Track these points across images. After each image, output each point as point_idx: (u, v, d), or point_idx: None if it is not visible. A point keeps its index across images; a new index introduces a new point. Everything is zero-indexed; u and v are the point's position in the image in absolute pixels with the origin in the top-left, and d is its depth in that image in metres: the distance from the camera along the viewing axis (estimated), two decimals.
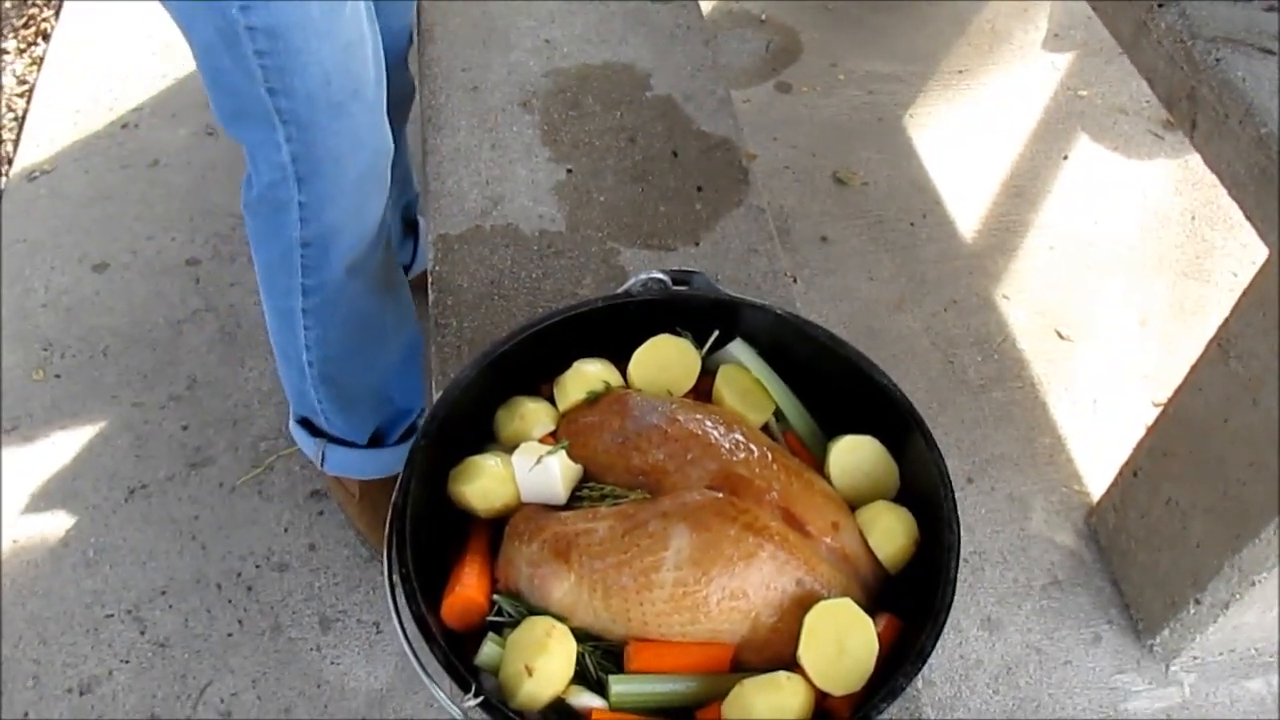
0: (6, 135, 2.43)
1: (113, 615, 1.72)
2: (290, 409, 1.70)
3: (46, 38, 2.65)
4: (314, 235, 1.33)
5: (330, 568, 1.77)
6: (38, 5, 2.73)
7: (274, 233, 1.35)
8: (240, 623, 1.71)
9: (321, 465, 1.71)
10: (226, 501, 1.85)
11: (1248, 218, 1.25)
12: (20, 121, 2.45)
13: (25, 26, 2.67)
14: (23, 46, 2.63)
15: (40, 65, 2.58)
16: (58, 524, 1.81)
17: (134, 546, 1.79)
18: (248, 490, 1.86)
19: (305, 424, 1.68)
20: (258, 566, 1.78)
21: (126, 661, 1.67)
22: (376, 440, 1.69)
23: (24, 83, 2.55)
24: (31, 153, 2.38)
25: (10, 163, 2.36)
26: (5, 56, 2.60)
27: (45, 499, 1.84)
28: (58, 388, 1.99)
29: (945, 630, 0.98)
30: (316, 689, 1.65)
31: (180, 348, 2.05)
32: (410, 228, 2.04)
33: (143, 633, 1.70)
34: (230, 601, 1.74)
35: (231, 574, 1.76)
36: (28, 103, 2.50)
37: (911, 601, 1.03)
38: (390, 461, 1.71)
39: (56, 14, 2.71)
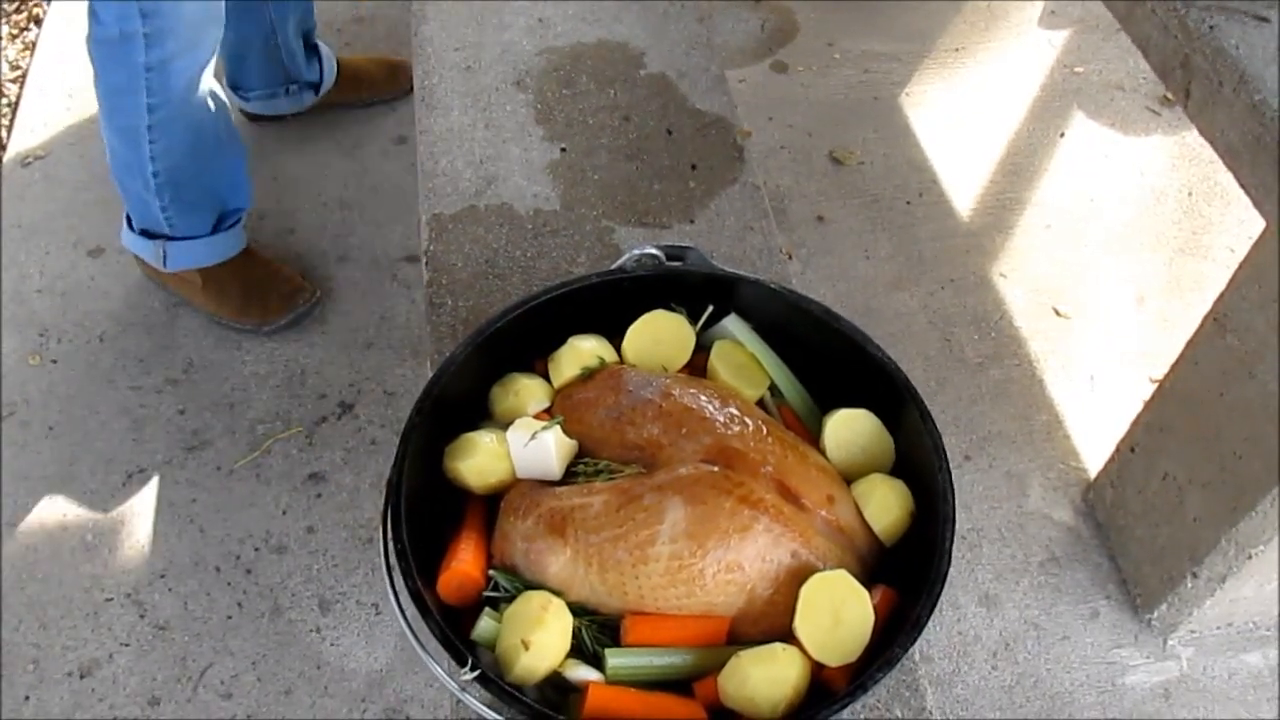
0: (0, 121, 2.42)
1: (112, 599, 1.72)
2: (127, 224, 1.94)
3: (39, 22, 2.64)
4: (156, 61, 1.60)
5: (329, 550, 1.78)
6: None
7: (121, 60, 1.60)
8: (239, 605, 1.72)
9: (164, 264, 1.94)
10: (224, 485, 1.85)
11: (1243, 187, 1.24)
12: (14, 107, 2.45)
13: (17, 11, 2.66)
14: (15, 31, 2.62)
15: (33, 50, 2.57)
16: (56, 509, 1.81)
17: (132, 530, 1.79)
18: (245, 473, 1.86)
19: (145, 234, 1.92)
20: (256, 549, 1.78)
21: (126, 644, 1.67)
22: (210, 232, 1.93)
23: (17, 68, 2.54)
24: (25, 138, 2.37)
25: (4, 148, 2.36)
26: None
27: (43, 484, 1.84)
28: (54, 373, 1.99)
29: (943, 606, 0.99)
30: (316, 670, 1.65)
31: (176, 331, 2.05)
32: (312, 50, 2.28)
33: (142, 616, 1.70)
34: (229, 584, 1.74)
35: (230, 557, 1.77)
36: (21, 88, 2.49)
37: (907, 573, 1.03)
38: (225, 246, 1.97)
39: None
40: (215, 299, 2.01)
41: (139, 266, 2.09)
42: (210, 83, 1.74)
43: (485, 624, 1.02)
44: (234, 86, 2.25)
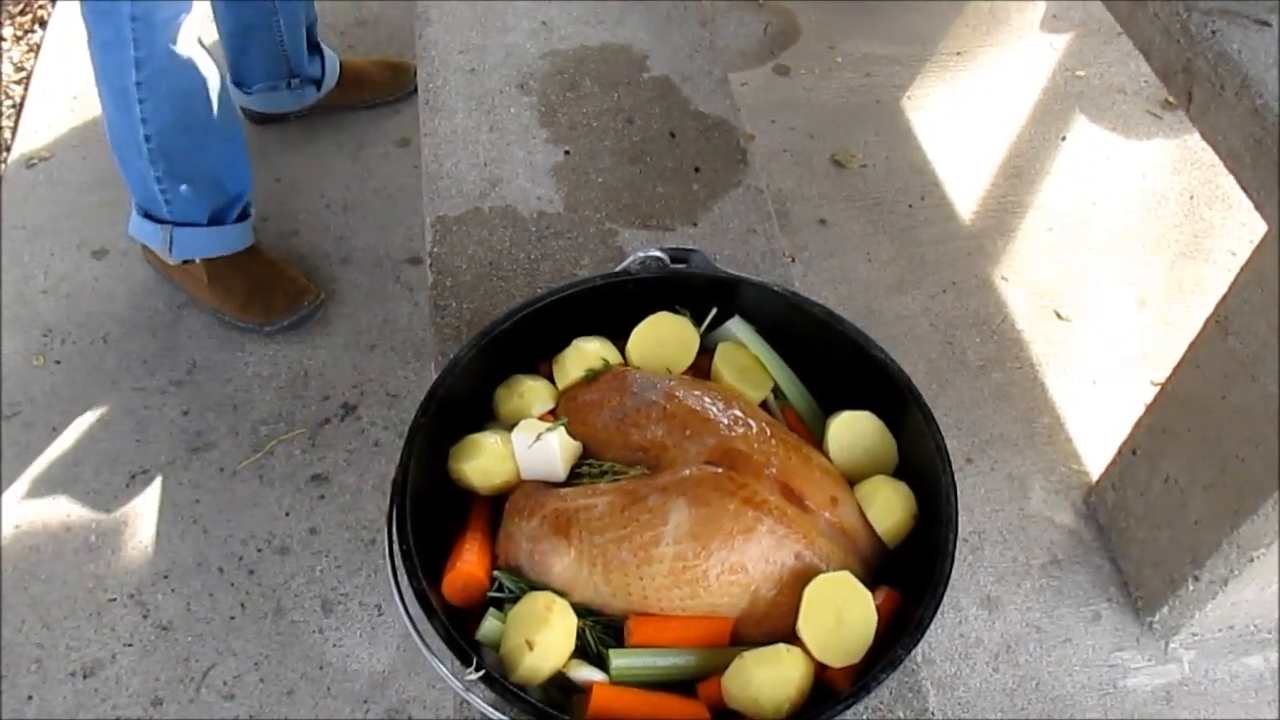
0: (5, 122, 2.42)
1: (115, 599, 1.72)
2: (133, 209, 1.97)
3: (44, 24, 2.65)
4: (141, 11, 1.65)
5: (331, 551, 1.78)
6: None
7: (109, 13, 1.66)
8: (242, 606, 1.72)
9: (170, 251, 1.96)
10: (227, 486, 1.85)
11: (1244, 190, 1.25)
12: (18, 109, 2.45)
13: (22, 13, 2.67)
14: (20, 33, 2.63)
15: (38, 52, 2.58)
16: (59, 509, 1.82)
17: (135, 531, 1.80)
18: (248, 474, 1.87)
19: (149, 217, 1.95)
20: (259, 550, 1.78)
21: (129, 645, 1.68)
22: (215, 221, 1.96)
23: (21, 70, 2.54)
24: (30, 140, 2.38)
25: (8, 150, 2.36)
26: (3, 44, 2.60)
27: (46, 484, 1.85)
28: (58, 374, 1.99)
29: (945, 608, 0.99)
30: (319, 671, 1.66)
31: (180, 333, 2.05)
32: (315, 49, 2.31)
33: (145, 616, 1.71)
34: (232, 585, 1.74)
35: (233, 557, 1.77)
36: (25, 90, 2.50)
37: (910, 575, 1.04)
38: (232, 238, 2.00)
39: (53, 1, 2.70)
40: (220, 295, 2.02)
41: (146, 259, 2.10)
42: (196, 48, 1.78)
43: (489, 624, 1.02)
44: (237, 83, 2.26)
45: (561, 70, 1.74)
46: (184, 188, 1.89)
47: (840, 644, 0.98)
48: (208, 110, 1.84)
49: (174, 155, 1.84)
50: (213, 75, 1.83)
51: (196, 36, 1.78)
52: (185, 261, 2.00)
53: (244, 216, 2.01)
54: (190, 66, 1.78)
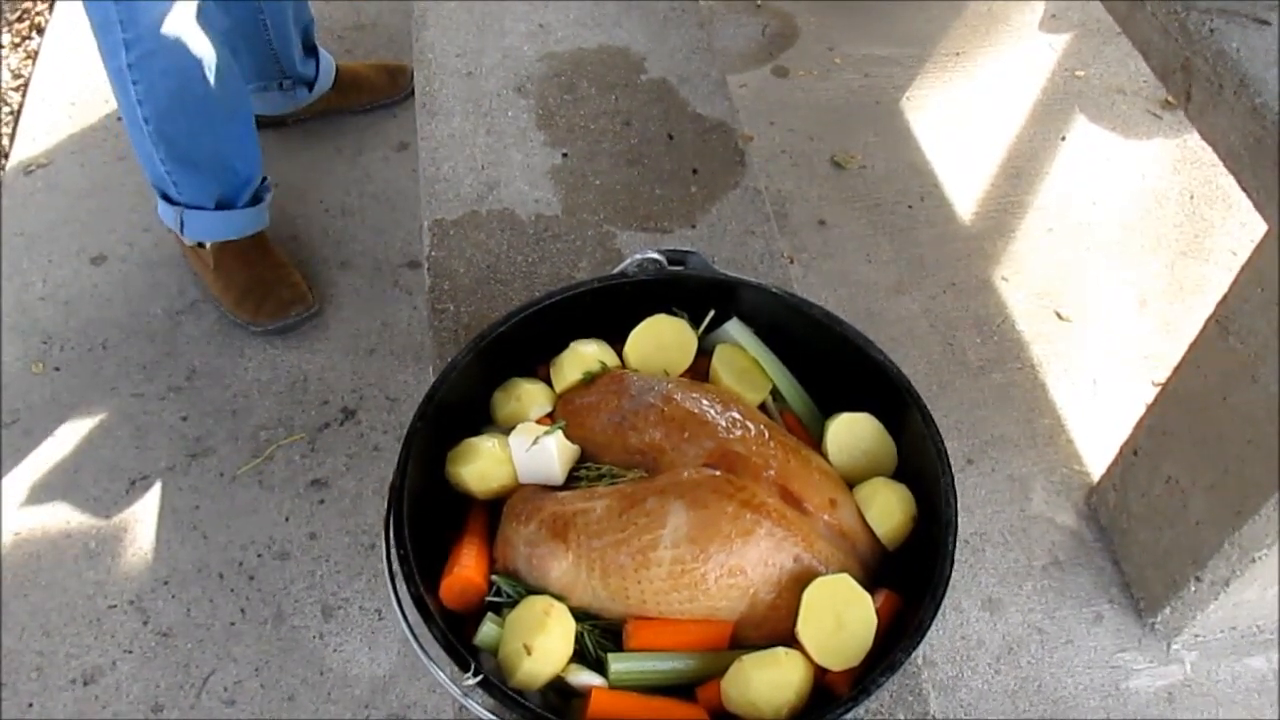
0: (3, 129, 2.42)
1: (115, 606, 1.72)
2: (155, 192, 1.98)
3: (41, 31, 2.65)
4: None
5: (331, 556, 1.78)
6: None
7: None
8: (242, 611, 1.72)
9: (181, 231, 1.98)
10: (227, 491, 1.85)
11: (1244, 190, 1.24)
12: (16, 115, 2.45)
13: (19, 20, 2.67)
14: (17, 40, 2.63)
15: (35, 59, 2.58)
16: (59, 516, 1.81)
17: (135, 537, 1.79)
18: (248, 480, 1.86)
19: (164, 198, 1.96)
20: (259, 555, 1.78)
21: (130, 651, 1.67)
22: (224, 206, 1.97)
23: (19, 76, 2.54)
24: (28, 146, 2.38)
25: (6, 157, 2.36)
26: (1, 50, 2.60)
27: (46, 491, 1.85)
28: (57, 380, 1.99)
29: (946, 610, 0.99)
30: (319, 676, 1.65)
31: (179, 339, 2.05)
32: (311, 50, 2.31)
33: (145, 623, 1.70)
34: (232, 590, 1.74)
35: (233, 563, 1.77)
36: (23, 97, 2.49)
37: (910, 577, 1.03)
38: (242, 223, 2.01)
39: (50, 7, 2.70)
40: (220, 283, 2.04)
41: (175, 237, 2.13)
42: (190, 29, 1.75)
43: (487, 629, 1.02)
44: None
45: (559, 73, 1.74)
46: (188, 170, 1.88)
47: (840, 647, 0.98)
48: (206, 91, 1.81)
49: (174, 137, 1.83)
50: (209, 55, 1.78)
51: (193, 17, 1.75)
52: (199, 245, 2.02)
53: (256, 201, 2.01)
54: (181, 47, 1.74)
